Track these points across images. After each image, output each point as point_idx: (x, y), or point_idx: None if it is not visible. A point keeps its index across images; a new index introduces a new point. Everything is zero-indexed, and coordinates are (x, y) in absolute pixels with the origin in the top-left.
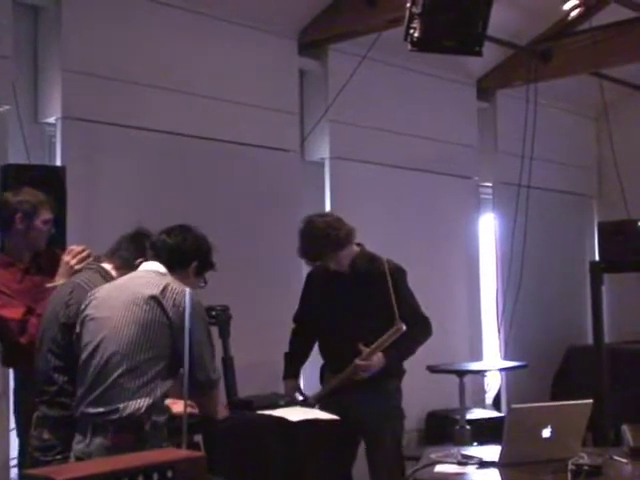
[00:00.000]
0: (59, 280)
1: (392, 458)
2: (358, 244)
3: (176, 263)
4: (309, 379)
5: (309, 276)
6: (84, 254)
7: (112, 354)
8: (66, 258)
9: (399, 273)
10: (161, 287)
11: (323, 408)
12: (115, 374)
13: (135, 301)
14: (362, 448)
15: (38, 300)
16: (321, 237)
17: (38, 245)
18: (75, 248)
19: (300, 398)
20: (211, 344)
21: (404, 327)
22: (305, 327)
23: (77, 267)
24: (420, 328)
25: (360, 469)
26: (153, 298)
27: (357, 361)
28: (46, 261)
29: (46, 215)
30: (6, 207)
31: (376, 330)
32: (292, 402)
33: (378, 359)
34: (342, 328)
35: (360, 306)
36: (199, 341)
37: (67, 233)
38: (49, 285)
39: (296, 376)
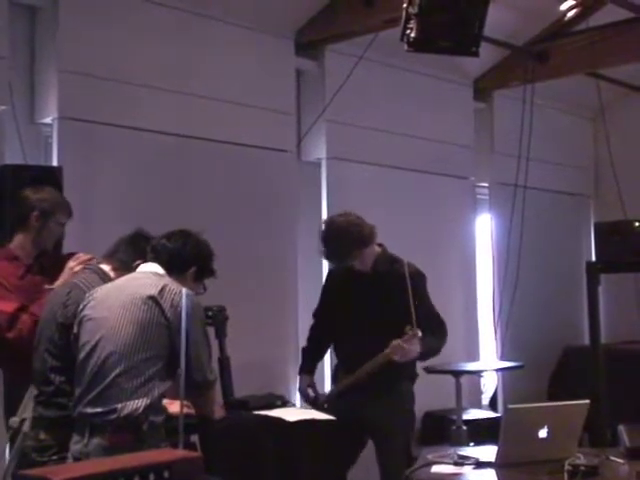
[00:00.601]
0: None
1: (401, 460)
2: (379, 244)
3: (175, 267)
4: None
5: (330, 273)
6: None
7: (110, 354)
8: (71, 264)
9: (419, 277)
10: (159, 288)
11: (334, 408)
12: (113, 374)
13: (133, 301)
14: (363, 452)
15: (34, 300)
16: (346, 235)
17: (47, 245)
18: (82, 256)
19: (311, 394)
20: (208, 345)
21: (420, 333)
22: (323, 323)
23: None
24: (439, 330)
25: (359, 474)
26: (151, 298)
27: (397, 341)
28: (49, 263)
29: (62, 218)
30: (25, 203)
31: (393, 332)
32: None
33: (415, 347)
34: (358, 328)
35: (378, 307)
36: (196, 341)
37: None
38: (47, 287)
39: (311, 372)
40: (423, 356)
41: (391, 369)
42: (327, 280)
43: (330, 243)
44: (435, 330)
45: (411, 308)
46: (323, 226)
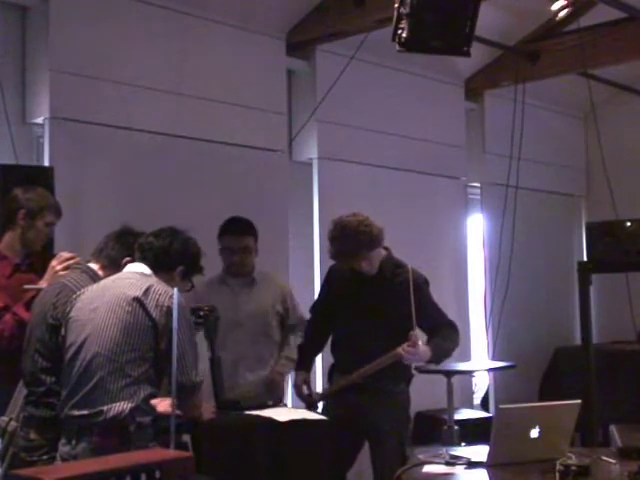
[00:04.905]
0: (42, 284)
1: (396, 461)
2: (385, 248)
3: (161, 266)
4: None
5: (331, 271)
6: (71, 261)
7: (95, 355)
8: (53, 263)
9: (423, 283)
10: (144, 289)
11: (330, 408)
12: (98, 375)
13: (118, 302)
14: (360, 453)
15: (20, 299)
16: (355, 235)
17: (34, 245)
18: (64, 255)
19: (306, 391)
20: (194, 346)
21: (420, 340)
22: (321, 320)
23: (61, 273)
24: (450, 332)
25: (352, 474)
26: (136, 300)
27: (404, 346)
28: (39, 262)
29: (49, 218)
30: (13, 202)
31: (392, 337)
32: (303, 397)
33: (424, 350)
34: (358, 330)
35: (380, 311)
36: (181, 342)
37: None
38: (27, 287)
39: (308, 368)
40: (435, 358)
41: (388, 370)
42: (327, 277)
43: (338, 242)
44: (445, 332)
45: (412, 315)
46: (331, 225)
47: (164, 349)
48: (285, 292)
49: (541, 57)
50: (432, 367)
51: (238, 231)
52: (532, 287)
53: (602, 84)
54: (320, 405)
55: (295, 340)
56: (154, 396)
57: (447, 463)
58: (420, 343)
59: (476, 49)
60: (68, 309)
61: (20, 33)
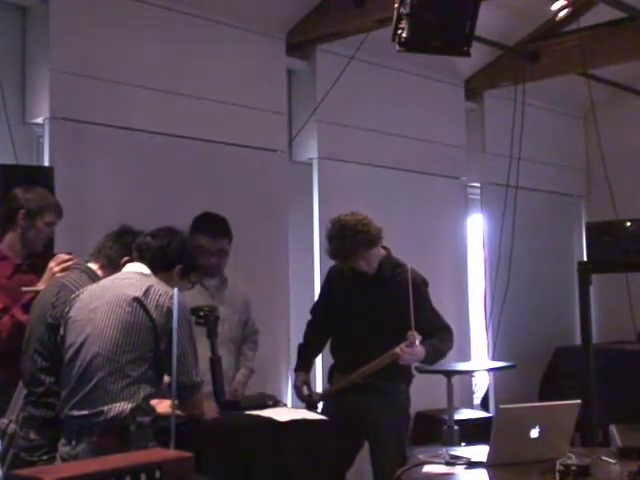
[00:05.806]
0: (40, 286)
1: (395, 461)
2: (384, 247)
3: (159, 265)
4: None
5: (331, 271)
6: (69, 263)
7: (95, 355)
8: (51, 264)
9: (422, 284)
10: (144, 289)
11: (330, 408)
12: (98, 376)
13: (118, 303)
14: (360, 453)
15: (20, 300)
16: (353, 234)
17: (34, 245)
18: (62, 256)
19: (306, 392)
20: (194, 346)
21: (417, 340)
22: (321, 321)
23: (59, 274)
24: (444, 334)
25: (352, 474)
26: (136, 300)
27: (402, 346)
28: (40, 263)
29: (50, 218)
30: (13, 202)
31: (392, 336)
32: (303, 398)
33: (420, 350)
34: (358, 330)
35: (379, 310)
36: (180, 343)
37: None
38: (25, 289)
39: (307, 369)
40: (429, 359)
41: (387, 371)
42: (327, 278)
43: (336, 241)
44: (440, 335)
45: (411, 314)
46: (330, 224)
47: (164, 349)
48: (248, 300)
49: (541, 57)
50: (432, 367)
51: (213, 232)
52: (532, 287)
53: (602, 84)
54: (320, 405)
55: (249, 352)
56: (154, 396)
57: (447, 463)
58: (417, 342)
59: (476, 49)
60: (67, 309)
61: (20, 33)
